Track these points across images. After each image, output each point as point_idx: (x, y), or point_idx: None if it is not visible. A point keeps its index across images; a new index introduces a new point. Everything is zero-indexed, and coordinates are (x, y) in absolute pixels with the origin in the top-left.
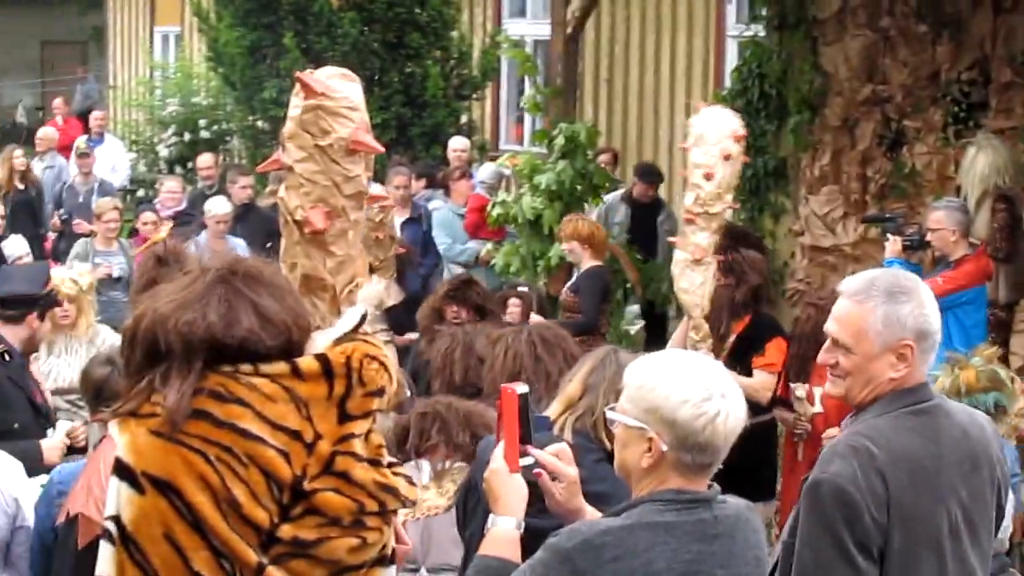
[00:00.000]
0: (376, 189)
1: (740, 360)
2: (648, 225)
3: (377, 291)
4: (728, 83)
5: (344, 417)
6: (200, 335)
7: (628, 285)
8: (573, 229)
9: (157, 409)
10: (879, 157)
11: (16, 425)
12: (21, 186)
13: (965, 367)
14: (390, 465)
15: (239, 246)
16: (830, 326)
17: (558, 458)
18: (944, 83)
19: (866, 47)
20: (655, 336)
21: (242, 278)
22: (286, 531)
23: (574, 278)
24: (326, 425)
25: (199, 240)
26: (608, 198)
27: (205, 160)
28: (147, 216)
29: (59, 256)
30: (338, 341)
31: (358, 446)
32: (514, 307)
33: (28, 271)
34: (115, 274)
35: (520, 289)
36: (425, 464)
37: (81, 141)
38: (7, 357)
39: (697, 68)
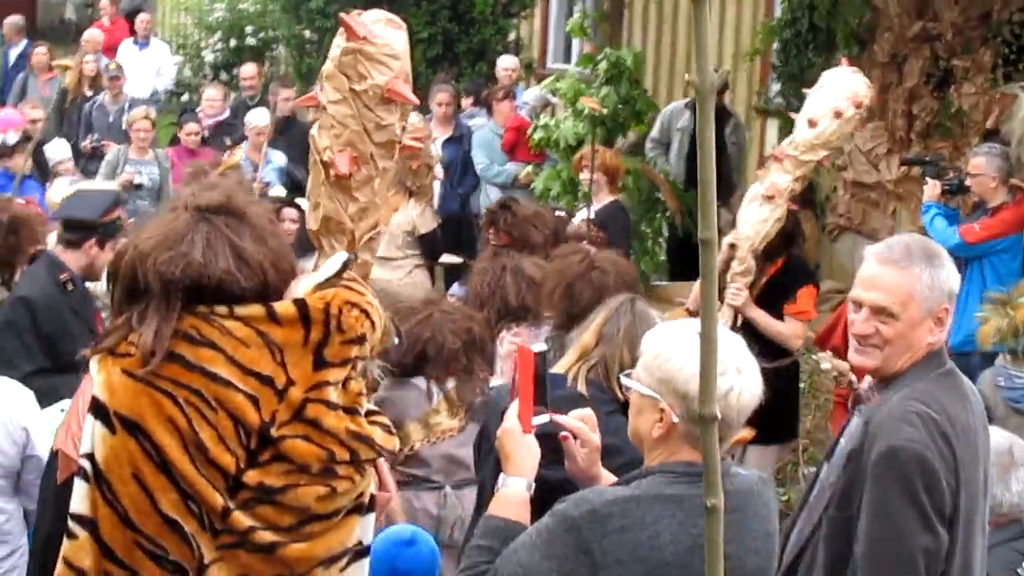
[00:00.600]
0: (414, 119)
1: (772, 305)
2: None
3: (410, 217)
4: (778, 12)
5: (320, 364)
6: (178, 274)
7: (667, 213)
8: (600, 160)
9: (132, 349)
10: (926, 95)
11: (79, 357)
12: (89, 92)
13: (1017, 307)
14: (369, 414)
15: (278, 158)
16: (869, 295)
17: (584, 423)
18: (995, 24)
19: None
20: (691, 265)
21: (224, 217)
22: (252, 476)
23: (592, 210)
24: (299, 371)
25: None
26: (671, 105)
27: (248, 70)
28: (190, 127)
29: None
30: (320, 286)
31: (332, 394)
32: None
33: (91, 197)
34: (137, 181)
35: (558, 213)
36: (434, 387)
37: (112, 63)
38: (70, 286)
39: None
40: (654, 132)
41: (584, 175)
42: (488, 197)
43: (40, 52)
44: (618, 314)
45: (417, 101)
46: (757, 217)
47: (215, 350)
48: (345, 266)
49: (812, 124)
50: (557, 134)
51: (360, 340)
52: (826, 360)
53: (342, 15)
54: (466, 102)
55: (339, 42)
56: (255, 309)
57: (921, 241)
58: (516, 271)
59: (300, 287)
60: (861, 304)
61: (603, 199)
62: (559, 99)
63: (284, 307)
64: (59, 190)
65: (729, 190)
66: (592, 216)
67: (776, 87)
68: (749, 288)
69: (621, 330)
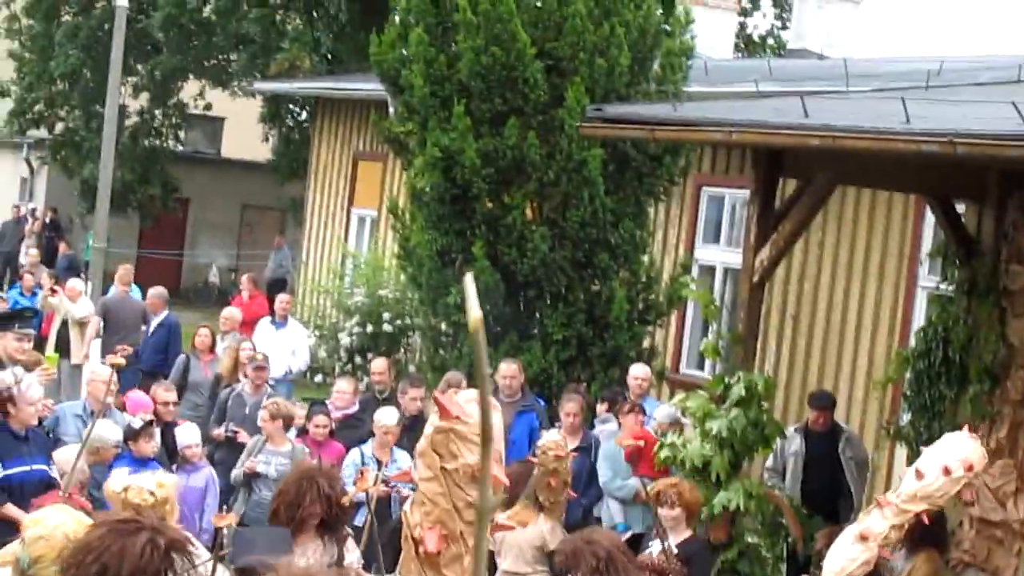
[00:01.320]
0: (554, 435)
1: None
2: (826, 453)
3: (540, 532)
4: (912, 341)
5: None
6: None
7: (790, 539)
8: (679, 494)
9: None
10: None
11: None
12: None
13: None
14: None
15: (403, 458)
16: None
17: None
18: None
19: None
20: None
21: None
22: None
23: (665, 544)
24: None
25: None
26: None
27: (378, 365)
28: (320, 419)
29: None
30: None
31: None
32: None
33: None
34: (261, 470)
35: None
36: None
37: (257, 352)
38: None
39: (884, 316)
40: (769, 461)
41: (663, 511)
42: (609, 509)
43: (203, 334)
44: None
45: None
46: (846, 555)
47: None
48: None
49: (919, 476)
50: (684, 454)
51: None
52: None
53: (436, 395)
54: (601, 407)
55: (433, 420)
56: None
57: None
58: None
59: None
60: None
61: (682, 534)
62: (688, 418)
63: None
64: (117, 480)
65: (851, 507)
66: (675, 550)
67: (906, 416)
68: None
69: None
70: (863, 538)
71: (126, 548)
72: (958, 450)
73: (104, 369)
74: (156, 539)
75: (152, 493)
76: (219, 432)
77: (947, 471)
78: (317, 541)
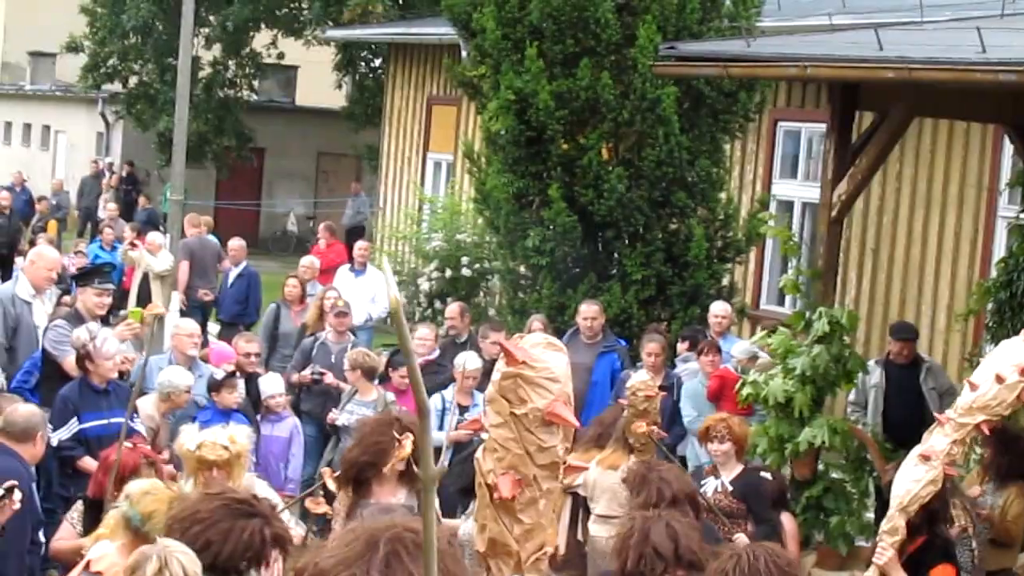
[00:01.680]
0: (643, 375)
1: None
2: (908, 385)
3: None
4: (993, 272)
5: None
6: None
7: (875, 474)
8: (728, 429)
9: None
10: None
11: None
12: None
13: None
14: None
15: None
16: None
17: None
18: None
19: None
20: None
21: (399, 539)
22: None
23: (720, 480)
24: None
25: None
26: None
27: (452, 310)
28: (403, 371)
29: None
30: None
31: None
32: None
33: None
34: (341, 422)
35: (763, 475)
36: None
37: (341, 299)
38: None
39: (964, 248)
40: (852, 395)
41: (712, 446)
42: (695, 449)
43: (292, 285)
44: None
45: (577, 424)
46: (911, 476)
47: None
48: None
49: (973, 388)
50: (766, 391)
51: None
52: None
53: (501, 341)
54: (681, 346)
55: (500, 366)
56: None
57: None
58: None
59: None
60: None
61: (734, 469)
62: (769, 355)
63: None
64: (190, 437)
65: None
66: (729, 487)
67: (989, 347)
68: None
69: None
70: (925, 458)
71: (234, 529)
72: (1010, 356)
73: (189, 321)
74: (264, 529)
75: (226, 448)
76: (304, 375)
77: (1000, 379)
78: (400, 491)
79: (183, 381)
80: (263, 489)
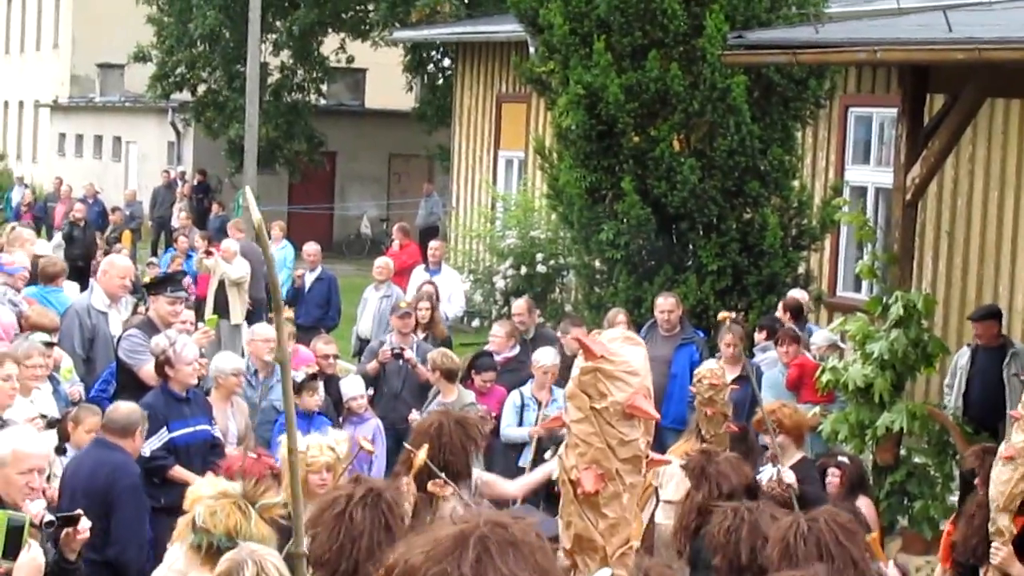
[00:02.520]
0: (711, 364)
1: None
2: (990, 370)
3: None
4: None
5: None
6: None
7: (957, 457)
8: (777, 420)
9: None
10: None
11: None
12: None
13: None
14: None
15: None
16: None
17: None
18: None
19: None
20: None
21: (490, 537)
22: None
23: (776, 468)
24: None
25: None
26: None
27: (518, 306)
28: (487, 375)
29: None
30: None
31: None
32: (833, 477)
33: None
34: None
35: (841, 459)
36: None
37: (403, 301)
38: None
39: None
40: (947, 379)
41: (767, 438)
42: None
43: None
44: None
45: (658, 416)
46: (1000, 479)
47: None
48: None
49: None
50: (845, 377)
51: None
52: None
53: (579, 337)
54: (759, 336)
55: (578, 362)
56: None
57: None
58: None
59: None
60: None
61: (793, 456)
62: (848, 342)
63: None
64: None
65: None
66: (785, 477)
67: None
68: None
69: None
70: (1009, 458)
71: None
72: None
73: (265, 327)
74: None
75: (332, 449)
76: (384, 350)
77: None
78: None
79: (230, 365)
80: None
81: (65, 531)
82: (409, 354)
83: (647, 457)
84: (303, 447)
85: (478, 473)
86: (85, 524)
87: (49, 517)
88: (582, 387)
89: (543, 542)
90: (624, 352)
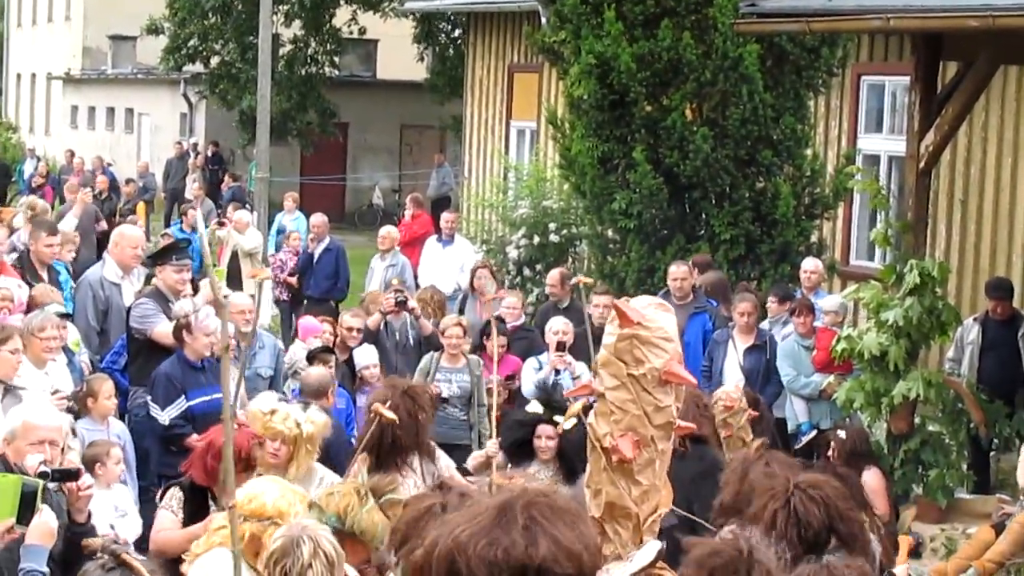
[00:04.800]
0: None
1: None
2: (1005, 341)
3: None
4: None
5: None
6: (502, 558)
7: (972, 425)
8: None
9: None
10: None
11: None
12: None
13: None
14: None
15: (581, 368)
16: None
17: None
18: None
19: None
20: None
21: (534, 505)
22: None
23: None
24: None
25: None
26: (965, 321)
27: (552, 276)
28: (499, 340)
29: None
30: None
31: None
32: (831, 449)
33: None
34: (445, 393)
35: (839, 432)
36: None
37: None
38: None
39: None
40: (950, 352)
41: None
42: (793, 408)
43: (481, 276)
44: None
45: (694, 381)
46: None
47: None
48: (659, 556)
49: None
50: (860, 345)
51: None
52: None
53: (615, 302)
54: (772, 304)
55: (611, 329)
56: None
57: None
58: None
59: (615, 573)
60: None
61: None
62: (862, 309)
63: None
64: (266, 401)
65: None
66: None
67: None
68: None
69: None
70: None
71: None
72: None
73: (242, 297)
74: None
75: (299, 425)
76: (388, 299)
77: None
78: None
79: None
80: (329, 476)
81: (68, 488)
82: (412, 303)
83: (675, 423)
84: (268, 408)
85: (447, 463)
86: (87, 481)
87: (44, 469)
88: (618, 354)
89: (583, 510)
90: (658, 318)
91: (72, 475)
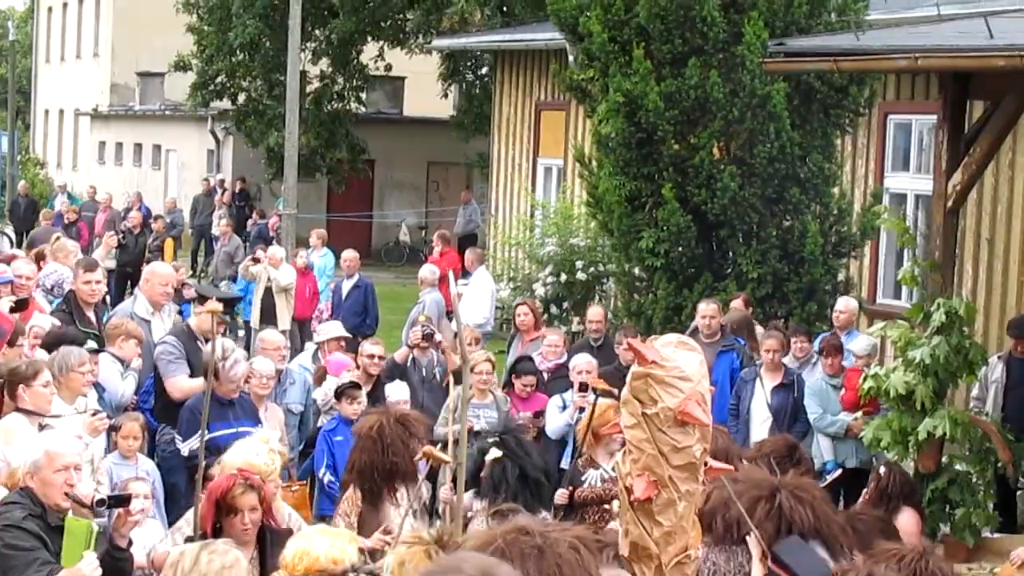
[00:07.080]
0: None
1: None
2: None
3: None
4: None
5: None
6: None
7: (999, 464)
8: None
9: None
10: None
11: None
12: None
13: None
14: None
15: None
16: None
17: None
18: None
19: None
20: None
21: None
22: None
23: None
24: None
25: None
26: (990, 359)
27: (595, 313)
28: (527, 379)
29: None
30: None
31: None
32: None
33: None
34: (476, 427)
35: (881, 469)
36: None
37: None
38: None
39: None
40: (975, 390)
41: None
42: (819, 446)
43: (524, 313)
44: None
45: (709, 422)
46: None
47: None
48: None
49: None
50: (887, 384)
51: None
52: None
53: (630, 340)
54: (796, 344)
55: (633, 368)
56: None
57: None
58: None
59: None
60: None
61: None
62: (892, 346)
63: None
64: (240, 453)
65: None
66: None
67: None
68: None
69: None
70: None
71: None
72: None
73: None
74: None
75: (272, 458)
76: (415, 332)
77: None
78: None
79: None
80: (296, 519)
81: (117, 513)
82: (439, 336)
83: (705, 464)
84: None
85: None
86: (136, 506)
87: (100, 496)
88: (634, 392)
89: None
90: (677, 357)
91: (125, 500)
